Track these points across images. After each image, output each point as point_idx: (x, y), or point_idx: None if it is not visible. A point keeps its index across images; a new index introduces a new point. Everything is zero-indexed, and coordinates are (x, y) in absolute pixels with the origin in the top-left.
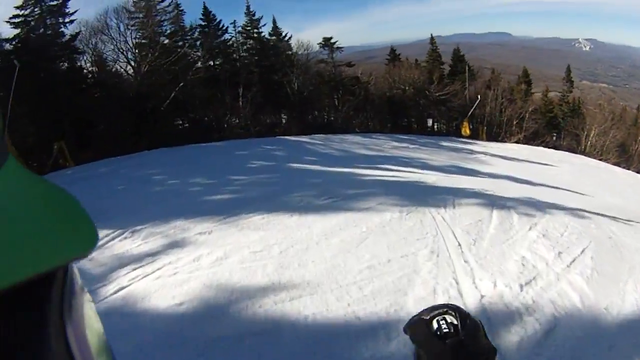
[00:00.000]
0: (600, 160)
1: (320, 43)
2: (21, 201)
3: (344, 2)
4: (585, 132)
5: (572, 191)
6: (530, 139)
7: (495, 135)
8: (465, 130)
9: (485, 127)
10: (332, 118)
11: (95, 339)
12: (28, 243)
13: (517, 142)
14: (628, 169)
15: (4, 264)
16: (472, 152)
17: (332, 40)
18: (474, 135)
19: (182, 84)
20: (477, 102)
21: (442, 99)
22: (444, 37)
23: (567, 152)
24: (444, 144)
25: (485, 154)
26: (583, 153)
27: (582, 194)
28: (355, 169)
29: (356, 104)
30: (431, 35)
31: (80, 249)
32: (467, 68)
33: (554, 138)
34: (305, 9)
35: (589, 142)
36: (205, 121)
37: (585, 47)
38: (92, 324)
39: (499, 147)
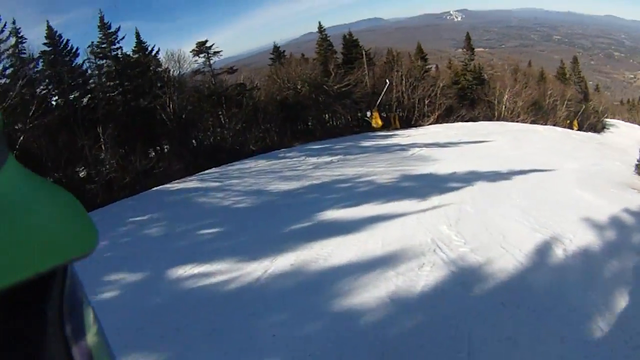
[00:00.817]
0: (518, 122)
1: (194, 50)
2: (21, 201)
3: (214, 13)
4: (497, 99)
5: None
6: (446, 117)
7: (408, 120)
8: (377, 121)
9: (397, 114)
10: (219, 138)
11: (95, 339)
12: (28, 243)
13: (435, 123)
14: (545, 124)
15: (4, 263)
16: (403, 147)
17: (208, 44)
18: (387, 125)
19: (21, 136)
20: (386, 87)
21: (344, 91)
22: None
23: (487, 122)
24: (366, 144)
25: (418, 146)
26: (499, 118)
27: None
28: (288, 243)
29: (246, 116)
30: (319, 23)
31: (81, 249)
32: (364, 53)
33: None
34: (175, 26)
35: (503, 107)
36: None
37: (457, 18)
38: (91, 324)
39: (424, 134)
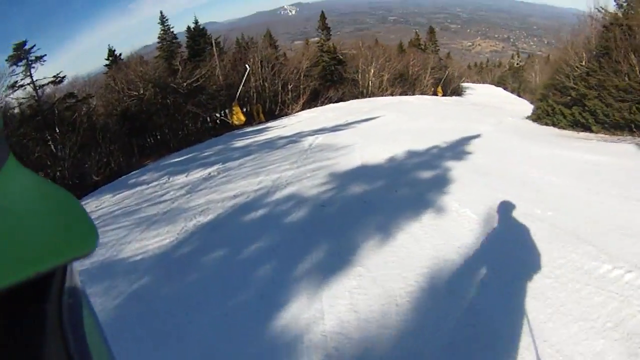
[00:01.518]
0: (387, 95)
1: (9, 58)
2: (21, 201)
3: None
4: (361, 75)
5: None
6: (312, 101)
7: (272, 111)
8: (239, 116)
9: (259, 105)
10: (50, 172)
11: (94, 339)
12: (28, 243)
13: (303, 109)
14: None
15: (3, 263)
16: (292, 139)
17: (28, 47)
18: (250, 120)
19: None
20: (245, 74)
21: (195, 87)
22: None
23: (358, 100)
24: (241, 144)
25: (307, 134)
26: (368, 95)
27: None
28: None
29: (82, 138)
30: (160, 12)
31: (81, 249)
32: (213, 42)
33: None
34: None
35: (369, 83)
36: None
37: (291, 12)
38: (90, 324)
39: (300, 121)
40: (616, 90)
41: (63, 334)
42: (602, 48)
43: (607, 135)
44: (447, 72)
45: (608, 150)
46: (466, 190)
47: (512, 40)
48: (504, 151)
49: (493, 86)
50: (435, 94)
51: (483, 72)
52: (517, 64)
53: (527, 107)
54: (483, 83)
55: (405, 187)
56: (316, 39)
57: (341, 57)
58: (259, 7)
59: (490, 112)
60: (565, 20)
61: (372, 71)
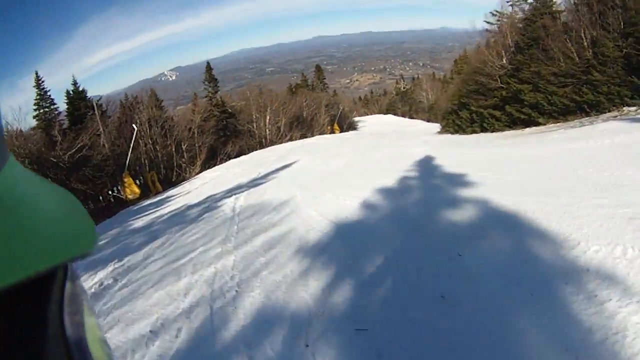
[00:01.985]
0: (286, 142)
1: None
2: (21, 201)
3: None
4: (255, 124)
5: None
6: (211, 159)
7: (168, 178)
8: (132, 188)
9: (154, 173)
10: None
11: (94, 339)
12: (28, 242)
13: (201, 170)
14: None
15: (3, 263)
16: (209, 207)
17: None
18: (146, 192)
19: None
20: (133, 138)
21: (78, 158)
22: None
23: (261, 150)
24: (138, 223)
25: (222, 197)
26: (267, 144)
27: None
28: None
29: None
30: (35, 72)
31: (81, 248)
32: (94, 105)
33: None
34: None
35: (267, 131)
36: None
37: (171, 77)
38: (91, 324)
39: (206, 182)
40: (555, 77)
41: (64, 334)
42: (529, 40)
43: (560, 123)
44: (340, 108)
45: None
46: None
47: (388, 69)
48: (499, 164)
49: (382, 115)
50: (332, 131)
51: (370, 104)
52: (404, 87)
53: (428, 126)
54: (371, 114)
55: (470, 243)
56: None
57: (230, 110)
58: (141, 75)
59: (401, 137)
60: (437, 40)
61: (268, 117)
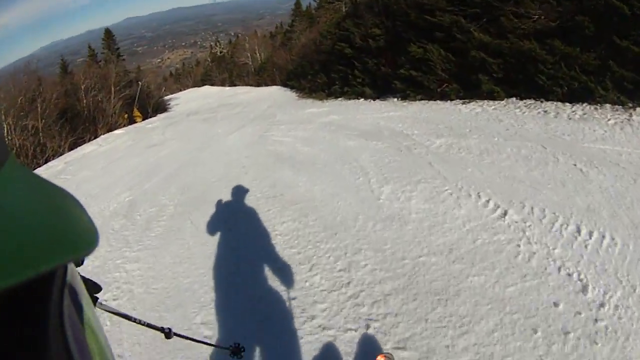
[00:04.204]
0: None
1: None
2: (22, 201)
3: None
4: None
5: None
6: None
7: None
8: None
9: None
10: None
11: (94, 339)
12: (28, 242)
13: None
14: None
15: (4, 263)
16: None
17: None
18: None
19: None
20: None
21: None
22: None
23: None
24: None
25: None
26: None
27: None
28: None
29: None
30: None
31: (81, 248)
32: None
33: None
34: None
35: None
36: None
37: None
38: (91, 324)
39: None
40: None
41: (64, 334)
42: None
43: None
44: (139, 85)
45: None
46: None
47: (199, 43)
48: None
49: (196, 88)
50: (132, 120)
51: (182, 78)
52: (220, 52)
53: (269, 91)
54: (184, 90)
55: None
56: None
57: None
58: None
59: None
60: (247, 9)
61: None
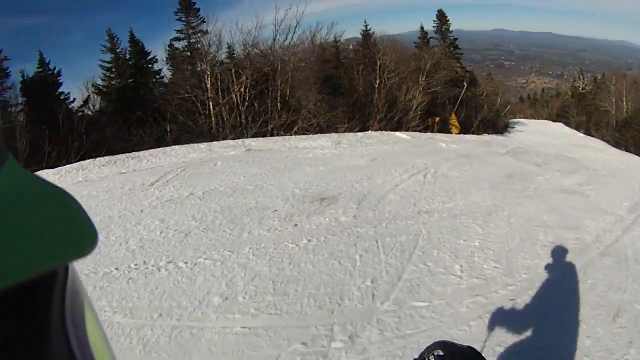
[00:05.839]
0: None
1: None
2: (22, 201)
3: None
4: None
5: None
6: None
7: None
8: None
9: None
10: None
11: (96, 339)
12: (29, 243)
13: None
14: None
15: (4, 263)
16: None
17: None
18: None
19: None
20: None
21: None
22: None
23: None
24: None
25: None
26: None
27: None
28: None
29: None
30: None
31: (81, 248)
32: None
33: None
34: None
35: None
36: None
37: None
38: (93, 324)
39: None
40: None
41: (66, 334)
42: None
43: None
44: (465, 85)
45: None
46: None
47: (566, 77)
48: None
49: (550, 122)
50: (444, 129)
51: (537, 105)
52: (583, 88)
53: (620, 158)
54: (538, 119)
55: None
56: None
57: None
58: None
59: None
60: (615, 54)
61: None
